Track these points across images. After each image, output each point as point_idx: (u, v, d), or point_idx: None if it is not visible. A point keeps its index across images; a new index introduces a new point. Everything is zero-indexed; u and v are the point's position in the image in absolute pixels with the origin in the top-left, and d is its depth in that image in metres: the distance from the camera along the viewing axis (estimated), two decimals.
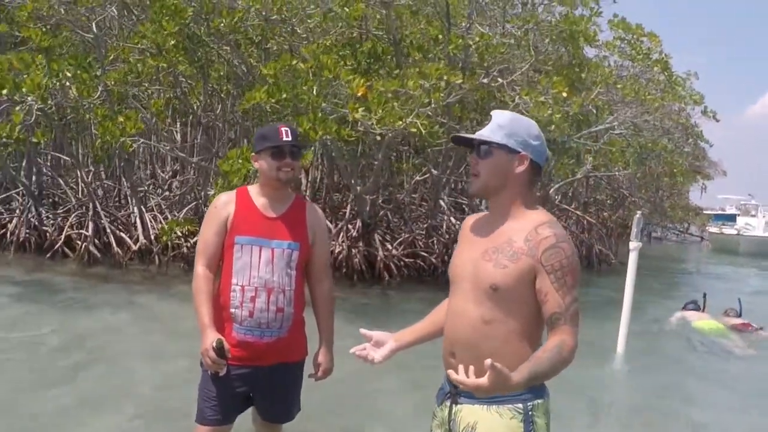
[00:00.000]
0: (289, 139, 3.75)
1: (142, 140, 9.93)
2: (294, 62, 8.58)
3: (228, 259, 3.76)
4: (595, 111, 12.69)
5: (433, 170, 11.28)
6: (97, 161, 12.16)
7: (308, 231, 3.87)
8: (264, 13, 9.35)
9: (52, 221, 12.34)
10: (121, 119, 9.05)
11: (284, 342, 3.80)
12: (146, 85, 11.56)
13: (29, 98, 8.06)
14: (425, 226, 12.56)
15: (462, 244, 2.89)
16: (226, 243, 3.77)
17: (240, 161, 9.16)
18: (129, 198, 12.31)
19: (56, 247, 11.73)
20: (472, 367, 2.49)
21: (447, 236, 12.14)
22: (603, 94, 12.41)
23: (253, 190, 3.89)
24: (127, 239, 11.91)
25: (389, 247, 11.99)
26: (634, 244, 7.54)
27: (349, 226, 11.88)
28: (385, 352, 2.95)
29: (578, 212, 14.52)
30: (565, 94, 8.39)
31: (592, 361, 7.76)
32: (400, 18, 10.26)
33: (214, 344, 3.57)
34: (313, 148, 10.78)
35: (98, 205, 11.97)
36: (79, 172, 12.61)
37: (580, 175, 12.05)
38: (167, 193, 13.09)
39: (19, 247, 11.92)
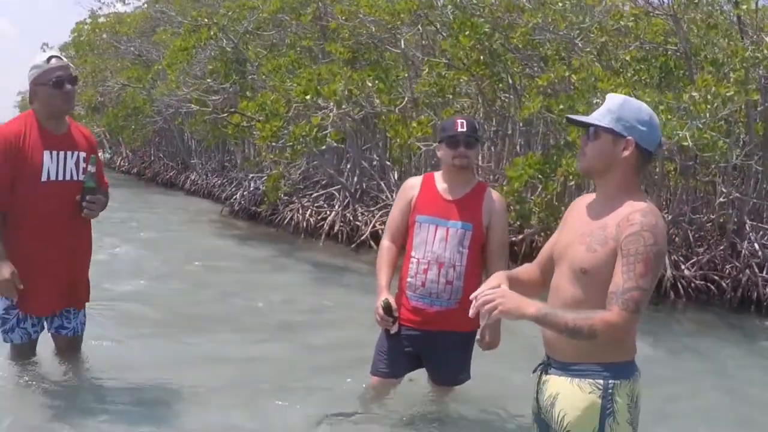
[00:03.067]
0: (464, 129, 4.17)
1: (434, 144, 10.73)
2: (568, 74, 8.84)
3: (410, 235, 4.28)
4: None
5: (722, 188, 10.76)
6: (393, 163, 13.32)
7: (483, 214, 4.24)
8: (552, 28, 9.69)
9: (365, 217, 13.70)
10: (414, 124, 9.96)
11: (453, 312, 4.17)
12: (450, 96, 12.41)
13: (331, 103, 9.28)
14: (721, 248, 11.93)
15: (566, 225, 3.04)
16: (410, 221, 4.30)
17: (523, 168, 9.54)
18: None
19: (362, 238, 13.04)
20: None
21: (746, 260, 11.41)
22: None
23: (438, 175, 4.36)
24: None
25: (681, 267, 11.57)
26: None
27: None
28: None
29: None
30: None
31: None
32: (692, 31, 9.97)
33: (382, 304, 4.18)
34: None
35: None
36: (391, 173, 13.84)
37: None
38: None
39: (331, 237, 13.42)
